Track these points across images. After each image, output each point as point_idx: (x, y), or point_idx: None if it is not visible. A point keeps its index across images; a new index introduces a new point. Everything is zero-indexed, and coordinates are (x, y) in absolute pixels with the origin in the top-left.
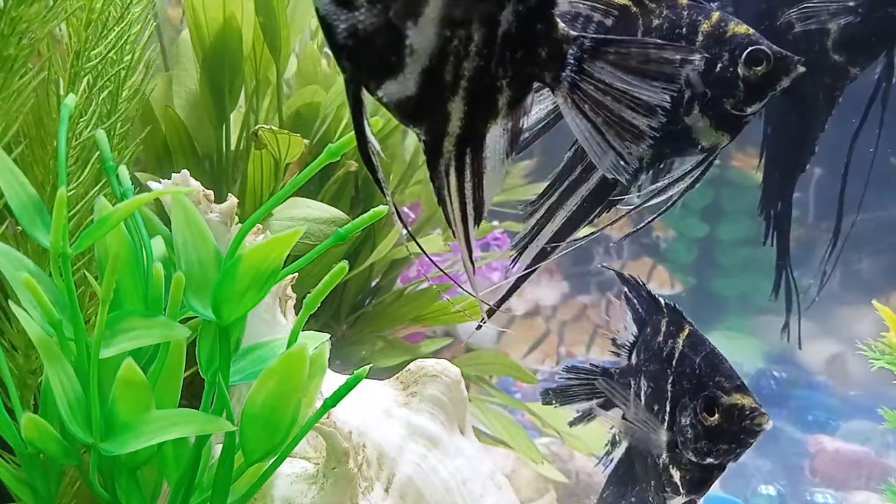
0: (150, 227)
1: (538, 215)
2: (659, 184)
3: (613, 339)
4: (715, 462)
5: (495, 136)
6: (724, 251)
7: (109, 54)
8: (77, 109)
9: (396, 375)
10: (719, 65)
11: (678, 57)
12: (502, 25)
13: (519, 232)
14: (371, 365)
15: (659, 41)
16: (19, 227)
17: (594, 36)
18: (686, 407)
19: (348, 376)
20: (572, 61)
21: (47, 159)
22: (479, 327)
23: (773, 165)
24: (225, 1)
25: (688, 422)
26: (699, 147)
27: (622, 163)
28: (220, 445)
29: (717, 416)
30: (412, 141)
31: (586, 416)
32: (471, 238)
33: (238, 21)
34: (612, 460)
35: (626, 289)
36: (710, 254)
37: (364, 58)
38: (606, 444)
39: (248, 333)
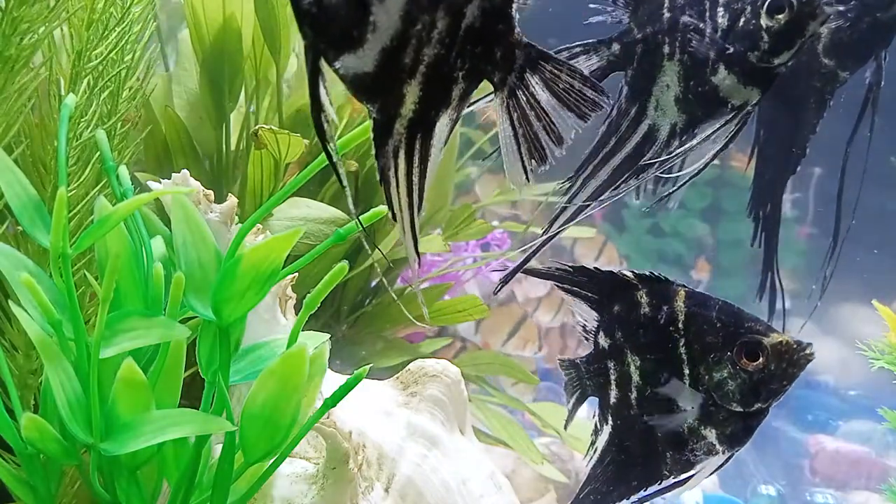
0: (150, 227)
1: (574, 188)
2: (692, 143)
3: (583, 328)
4: (763, 406)
5: (442, 125)
6: (724, 251)
7: (110, 55)
8: (78, 110)
9: (396, 375)
10: (742, 18)
11: (591, 98)
12: (467, 18)
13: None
14: (371, 365)
15: (586, 76)
16: (19, 227)
17: (540, 48)
18: (719, 361)
19: (348, 376)
20: (517, 68)
21: (48, 159)
22: (496, 292)
23: (763, 168)
24: (225, 1)
25: (725, 374)
26: (729, 106)
27: (524, 178)
28: (220, 445)
29: (761, 359)
30: None
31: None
32: (415, 223)
33: (238, 21)
34: (596, 450)
35: (564, 287)
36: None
37: (325, 27)
38: (591, 435)
39: (248, 333)
